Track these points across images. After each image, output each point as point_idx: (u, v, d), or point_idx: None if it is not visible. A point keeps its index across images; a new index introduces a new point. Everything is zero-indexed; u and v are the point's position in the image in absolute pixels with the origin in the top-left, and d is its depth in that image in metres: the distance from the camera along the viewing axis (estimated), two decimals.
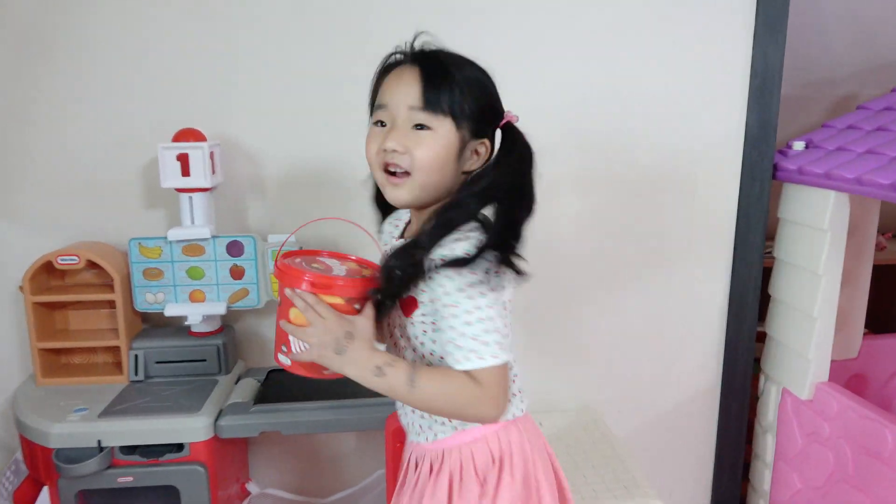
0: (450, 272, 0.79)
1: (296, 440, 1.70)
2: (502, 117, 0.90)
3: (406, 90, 0.85)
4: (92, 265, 1.46)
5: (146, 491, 1.32)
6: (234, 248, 1.47)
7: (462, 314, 0.80)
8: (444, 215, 0.84)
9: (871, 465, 1.48)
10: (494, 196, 0.85)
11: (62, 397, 1.40)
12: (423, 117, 0.84)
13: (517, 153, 0.88)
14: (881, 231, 2.62)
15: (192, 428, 1.30)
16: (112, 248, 1.50)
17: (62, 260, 1.42)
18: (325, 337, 0.82)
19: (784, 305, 1.77)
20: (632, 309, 1.77)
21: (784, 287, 1.77)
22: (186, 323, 1.49)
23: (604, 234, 1.71)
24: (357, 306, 0.86)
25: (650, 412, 1.85)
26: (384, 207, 1.02)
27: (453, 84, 0.84)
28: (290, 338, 0.85)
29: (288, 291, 0.84)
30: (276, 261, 0.91)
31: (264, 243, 1.48)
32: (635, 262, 1.75)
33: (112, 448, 1.29)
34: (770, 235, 1.83)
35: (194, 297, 1.48)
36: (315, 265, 0.89)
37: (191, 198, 1.45)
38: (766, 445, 1.83)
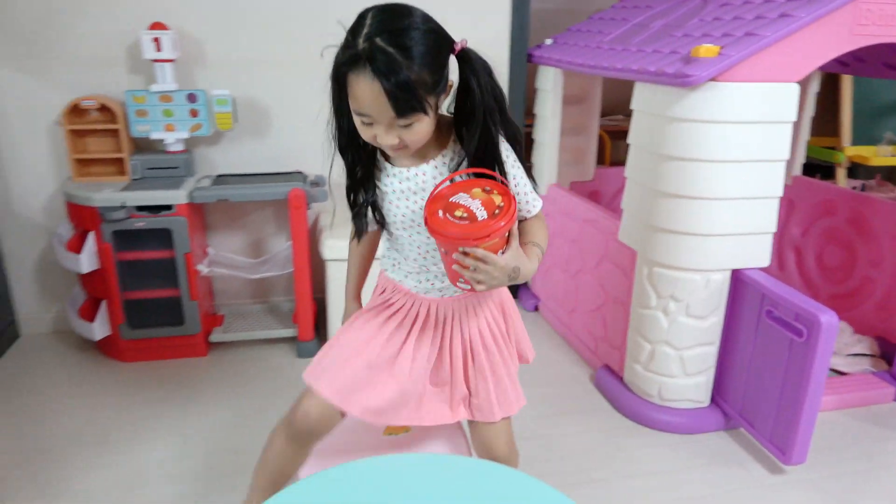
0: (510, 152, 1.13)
1: (234, 223, 2.71)
2: (454, 51, 1.02)
3: (380, 107, 0.96)
4: (102, 109, 2.38)
5: (152, 232, 2.32)
6: (192, 97, 2.42)
7: (520, 175, 1.14)
8: (478, 148, 1.05)
9: (571, 224, 2.66)
10: (484, 120, 1.05)
11: (91, 186, 2.35)
12: (404, 121, 0.99)
13: (475, 77, 1.03)
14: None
15: (176, 195, 2.30)
16: (113, 99, 2.42)
17: (85, 103, 2.34)
18: (500, 276, 1.01)
19: (537, 143, 2.90)
20: None
21: (536, 132, 2.89)
22: (164, 145, 2.45)
23: None
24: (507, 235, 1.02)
25: None
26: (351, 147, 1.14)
27: (416, 86, 0.94)
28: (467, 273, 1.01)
29: (457, 255, 0.99)
30: (426, 217, 1.01)
31: (210, 94, 2.44)
32: None
33: (131, 207, 2.27)
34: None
35: (168, 128, 2.44)
36: (458, 213, 0.99)
37: (162, 66, 2.38)
38: None
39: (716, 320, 2.03)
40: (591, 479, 1.87)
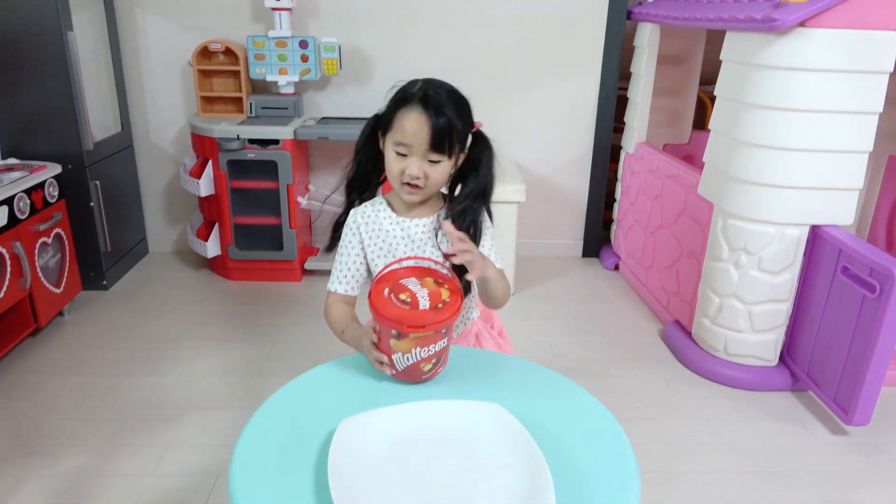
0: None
1: (335, 165, 2.94)
2: (473, 128, 1.19)
3: (422, 139, 1.11)
4: (226, 52, 2.66)
5: (260, 164, 2.59)
6: (303, 44, 2.65)
7: (489, 237, 1.22)
8: (465, 208, 1.18)
9: (654, 181, 2.66)
10: (483, 190, 1.20)
11: (213, 120, 2.65)
12: (435, 157, 1.13)
13: (486, 153, 1.21)
14: None
15: (283, 131, 2.55)
16: (236, 44, 2.70)
17: (213, 46, 2.63)
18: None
19: (630, 102, 2.90)
20: (537, 105, 2.92)
21: (630, 90, 2.89)
22: (278, 87, 2.71)
23: (517, 55, 2.85)
24: (444, 331, 1.01)
25: (548, 169, 3.04)
26: (358, 188, 1.27)
27: (453, 133, 1.12)
28: (394, 356, 1.01)
29: (395, 333, 0.99)
30: (370, 292, 1.02)
31: (320, 41, 2.66)
32: (541, 73, 2.88)
33: (244, 140, 2.54)
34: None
35: (282, 71, 2.69)
36: (403, 296, 1.00)
37: (280, 14, 2.62)
38: (618, 188, 3.03)
39: (789, 277, 1.99)
40: (643, 417, 1.92)
